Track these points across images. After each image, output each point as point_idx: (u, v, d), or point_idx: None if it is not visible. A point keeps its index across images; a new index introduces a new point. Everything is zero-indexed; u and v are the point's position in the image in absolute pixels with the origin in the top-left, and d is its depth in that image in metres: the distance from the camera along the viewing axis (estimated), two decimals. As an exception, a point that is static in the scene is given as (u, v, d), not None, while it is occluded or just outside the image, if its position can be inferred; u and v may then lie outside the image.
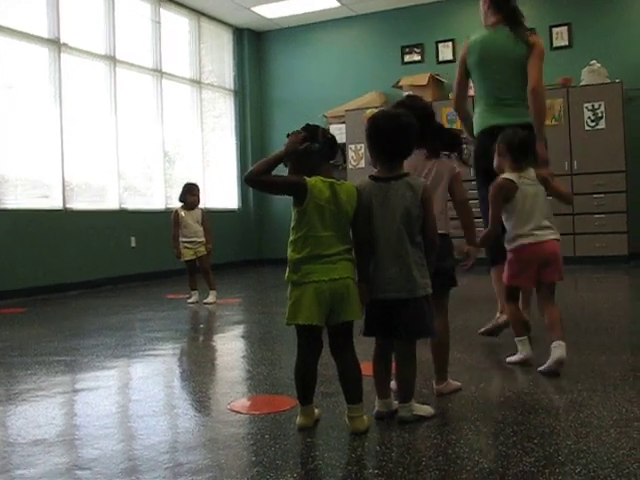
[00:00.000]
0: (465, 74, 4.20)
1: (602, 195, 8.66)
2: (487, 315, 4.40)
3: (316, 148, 2.49)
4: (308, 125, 2.55)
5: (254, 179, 2.47)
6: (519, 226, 3.41)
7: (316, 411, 2.61)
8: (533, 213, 3.39)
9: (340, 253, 2.45)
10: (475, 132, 4.13)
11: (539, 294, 3.49)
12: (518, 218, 3.40)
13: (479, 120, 4.12)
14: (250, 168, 2.49)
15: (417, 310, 2.52)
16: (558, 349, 3.22)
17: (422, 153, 2.90)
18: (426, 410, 2.63)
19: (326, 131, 2.58)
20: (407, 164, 2.65)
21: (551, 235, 3.42)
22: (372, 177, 2.61)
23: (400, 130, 2.54)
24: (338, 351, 2.52)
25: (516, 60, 3.96)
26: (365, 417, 2.49)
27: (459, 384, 3.03)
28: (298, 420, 2.56)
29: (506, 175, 3.43)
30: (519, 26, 3.96)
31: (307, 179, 2.44)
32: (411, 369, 2.59)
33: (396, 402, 2.63)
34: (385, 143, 2.56)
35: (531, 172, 3.44)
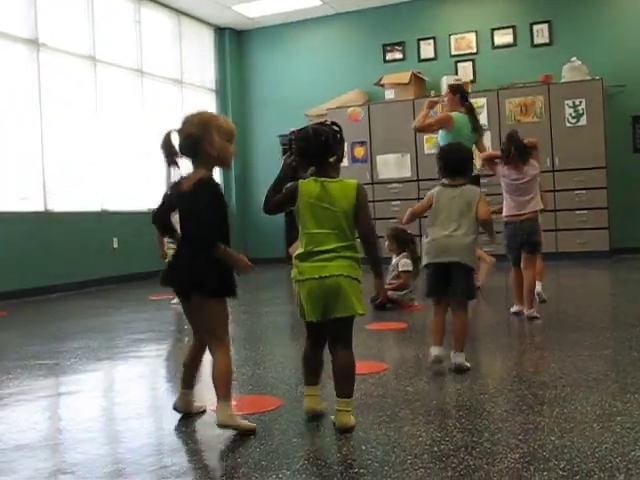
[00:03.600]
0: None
1: (583, 191, 8.71)
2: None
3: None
4: (290, 140, 2.64)
5: (266, 208, 2.68)
6: None
7: (323, 403, 2.68)
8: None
9: (336, 250, 2.50)
10: None
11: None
12: None
13: None
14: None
15: (466, 274, 3.34)
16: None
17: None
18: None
19: (318, 132, 2.58)
20: None
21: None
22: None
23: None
24: (332, 345, 2.57)
25: (473, 138, 6.03)
26: (352, 415, 2.50)
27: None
28: (304, 403, 2.67)
29: None
30: (476, 119, 6.14)
31: (299, 182, 2.56)
32: (466, 320, 3.43)
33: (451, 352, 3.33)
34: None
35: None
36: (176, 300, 6.47)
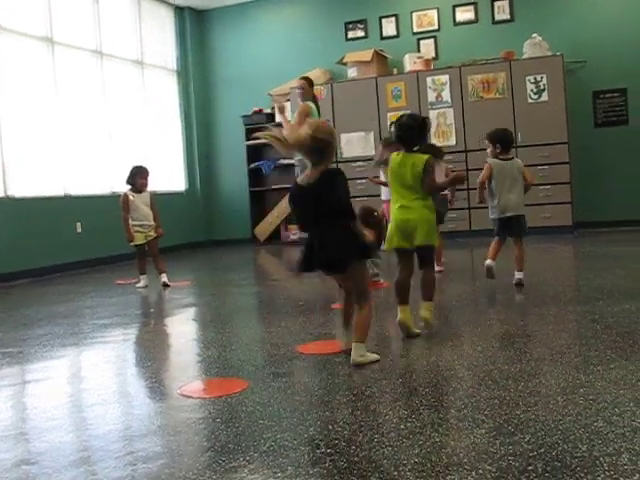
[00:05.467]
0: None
1: (546, 167, 8.78)
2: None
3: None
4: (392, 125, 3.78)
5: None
6: None
7: (416, 331, 3.59)
8: None
9: (413, 200, 3.57)
10: None
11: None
12: None
13: None
14: None
15: (524, 220, 5.02)
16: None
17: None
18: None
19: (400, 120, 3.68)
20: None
21: None
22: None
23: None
24: (421, 265, 3.66)
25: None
26: (431, 314, 3.65)
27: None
28: (398, 316, 3.54)
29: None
30: (318, 105, 7.44)
31: (392, 154, 3.73)
32: (524, 250, 5.09)
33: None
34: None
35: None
36: (142, 283, 6.43)
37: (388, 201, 6.49)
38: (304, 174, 3.17)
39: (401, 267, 3.67)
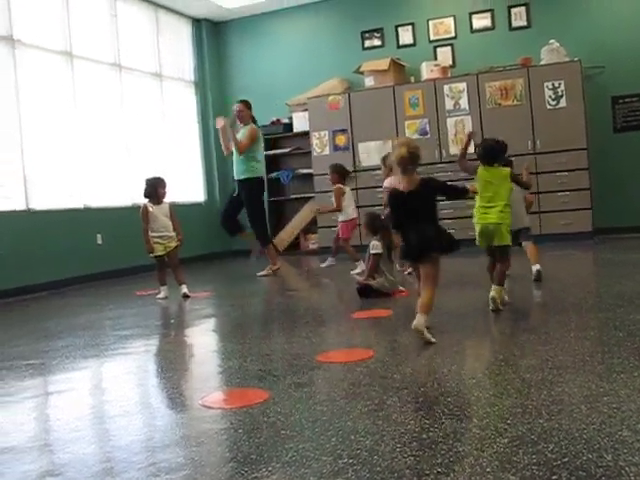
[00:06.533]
0: None
1: (565, 173, 8.74)
2: (453, 297, 4.41)
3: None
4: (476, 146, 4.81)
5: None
6: None
7: (501, 307, 4.39)
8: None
9: (495, 207, 4.42)
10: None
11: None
12: None
13: None
14: None
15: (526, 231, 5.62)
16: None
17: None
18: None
19: (490, 147, 4.60)
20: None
21: None
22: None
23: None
24: (499, 259, 4.51)
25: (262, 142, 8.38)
26: (503, 297, 4.50)
27: None
28: (491, 294, 4.37)
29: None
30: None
31: (479, 168, 4.55)
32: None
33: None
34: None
35: None
36: (162, 294, 6.45)
37: (344, 222, 7.64)
38: (396, 182, 4.19)
39: (490, 258, 4.67)
